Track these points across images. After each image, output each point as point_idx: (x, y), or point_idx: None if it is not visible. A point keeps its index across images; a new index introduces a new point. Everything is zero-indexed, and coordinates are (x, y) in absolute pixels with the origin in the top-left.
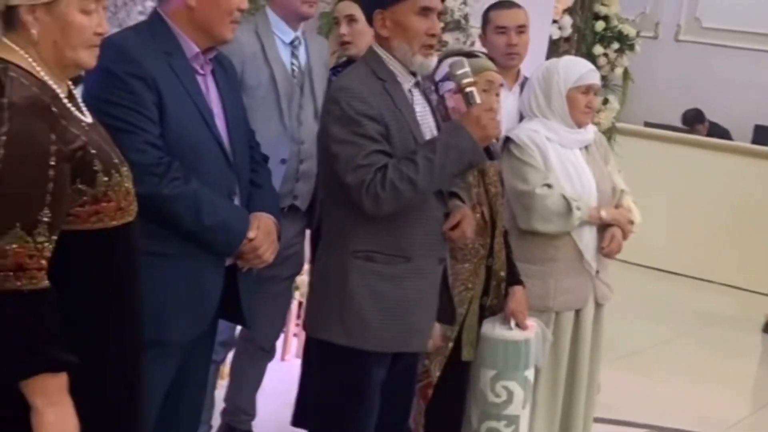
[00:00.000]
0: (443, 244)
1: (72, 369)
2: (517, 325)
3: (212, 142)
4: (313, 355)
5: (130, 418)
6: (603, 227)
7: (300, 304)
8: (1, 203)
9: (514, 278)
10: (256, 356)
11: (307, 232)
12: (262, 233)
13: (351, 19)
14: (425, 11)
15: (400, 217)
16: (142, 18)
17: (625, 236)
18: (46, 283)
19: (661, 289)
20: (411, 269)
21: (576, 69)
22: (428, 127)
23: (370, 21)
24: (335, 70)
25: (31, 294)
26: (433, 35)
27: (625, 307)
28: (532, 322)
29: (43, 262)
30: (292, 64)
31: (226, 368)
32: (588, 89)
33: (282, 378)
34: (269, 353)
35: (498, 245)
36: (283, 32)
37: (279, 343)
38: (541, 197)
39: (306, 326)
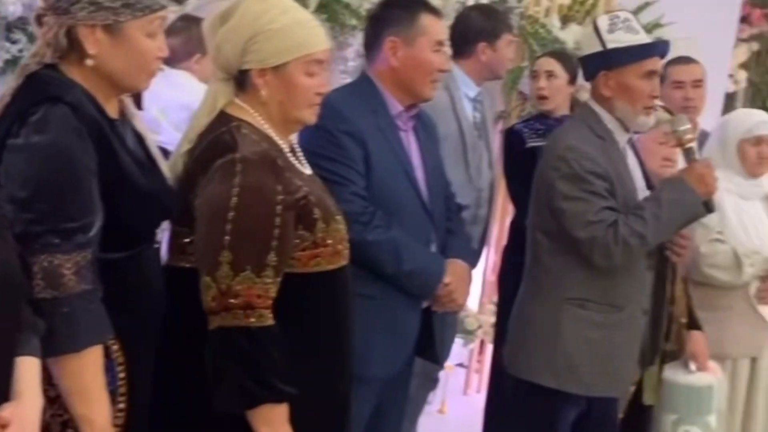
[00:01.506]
0: (646, 295)
1: (292, 400)
2: (699, 369)
3: (412, 192)
4: (511, 392)
5: None
6: None
7: (482, 342)
8: (234, 248)
9: (694, 324)
10: (421, 385)
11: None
12: (457, 278)
13: (551, 75)
14: (650, 75)
15: (614, 268)
16: (344, 77)
17: None
18: (271, 320)
19: None
20: (621, 319)
21: (747, 121)
22: (640, 181)
23: (587, 79)
24: (527, 123)
25: (259, 330)
26: (654, 97)
27: None
28: (714, 365)
29: (269, 301)
30: (474, 117)
31: None
32: (758, 141)
33: (466, 411)
34: (434, 382)
35: (679, 291)
36: (469, 88)
37: (462, 379)
38: (706, 256)
39: (509, 366)
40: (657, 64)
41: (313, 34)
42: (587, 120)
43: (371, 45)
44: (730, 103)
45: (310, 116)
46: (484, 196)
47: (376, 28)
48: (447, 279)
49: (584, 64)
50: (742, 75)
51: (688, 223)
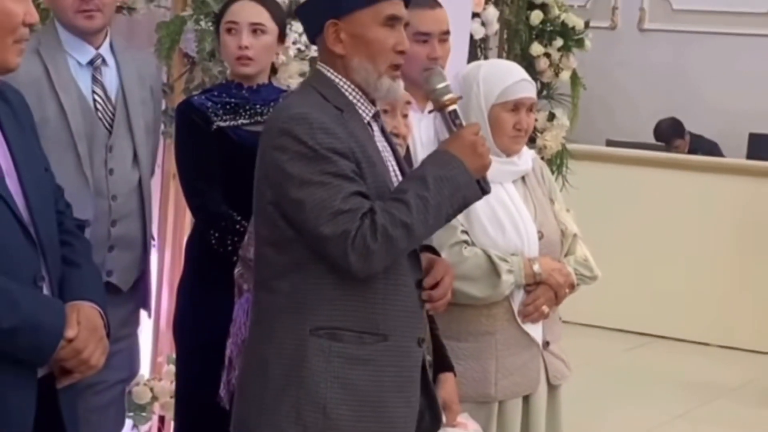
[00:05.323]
0: (421, 320)
1: None
2: (448, 424)
3: (2, 209)
4: None
5: None
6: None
7: (162, 419)
8: None
9: (442, 363)
10: None
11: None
12: (86, 330)
13: (258, 29)
14: (391, 21)
15: (370, 284)
16: None
17: (557, 300)
18: None
19: (646, 358)
20: (387, 350)
21: (500, 78)
22: (392, 169)
23: (312, 38)
24: (210, 95)
25: None
26: (401, 52)
27: (602, 385)
28: (465, 420)
29: None
30: (94, 92)
31: None
32: (517, 106)
33: None
34: None
35: None
36: (78, 50)
37: None
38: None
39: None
40: (399, 8)
41: None
42: (320, 88)
43: None
44: (477, 53)
45: None
46: (123, 207)
47: None
48: (70, 332)
49: (306, 15)
50: (493, 14)
51: (461, 210)
